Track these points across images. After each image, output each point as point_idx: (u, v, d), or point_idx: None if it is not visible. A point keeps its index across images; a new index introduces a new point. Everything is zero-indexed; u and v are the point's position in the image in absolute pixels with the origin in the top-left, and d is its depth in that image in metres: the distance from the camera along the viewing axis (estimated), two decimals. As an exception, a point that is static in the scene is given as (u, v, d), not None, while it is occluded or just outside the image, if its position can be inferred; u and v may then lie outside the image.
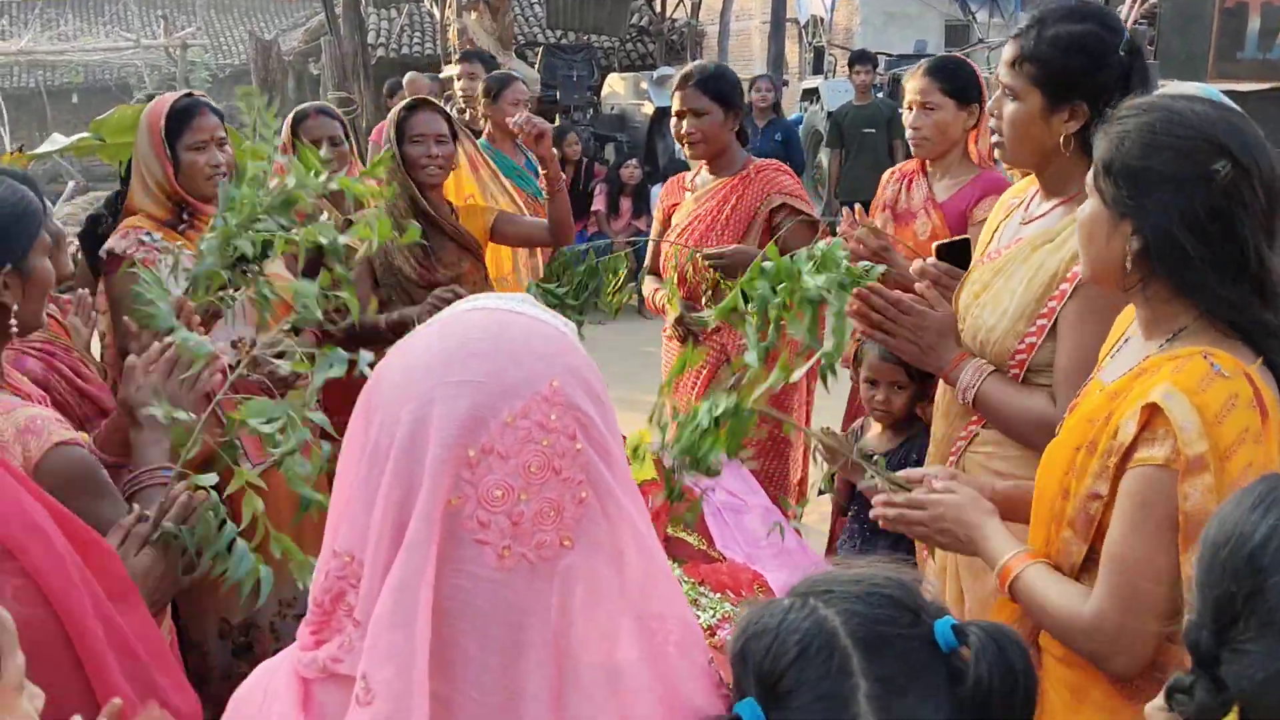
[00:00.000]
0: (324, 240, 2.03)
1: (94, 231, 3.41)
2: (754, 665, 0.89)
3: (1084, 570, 1.60)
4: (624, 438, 0.99)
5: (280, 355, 2.28)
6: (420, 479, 0.86)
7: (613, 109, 12.25)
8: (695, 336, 3.56)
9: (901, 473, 1.89)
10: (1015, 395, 2.00)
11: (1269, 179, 1.48)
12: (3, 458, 1.47)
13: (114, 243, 2.81)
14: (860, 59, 9.58)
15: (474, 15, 12.91)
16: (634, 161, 10.07)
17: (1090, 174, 1.59)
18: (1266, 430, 1.44)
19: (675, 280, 3.52)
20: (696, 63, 3.73)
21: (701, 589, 2.17)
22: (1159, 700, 1.06)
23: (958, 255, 2.47)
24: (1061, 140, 1.96)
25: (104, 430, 2.11)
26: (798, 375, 1.72)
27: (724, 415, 1.65)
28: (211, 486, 1.73)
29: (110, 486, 1.83)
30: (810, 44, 17.86)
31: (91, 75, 25.91)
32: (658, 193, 3.99)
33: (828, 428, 3.02)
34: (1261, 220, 1.48)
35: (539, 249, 4.53)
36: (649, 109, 11.29)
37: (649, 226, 4.04)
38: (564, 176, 3.51)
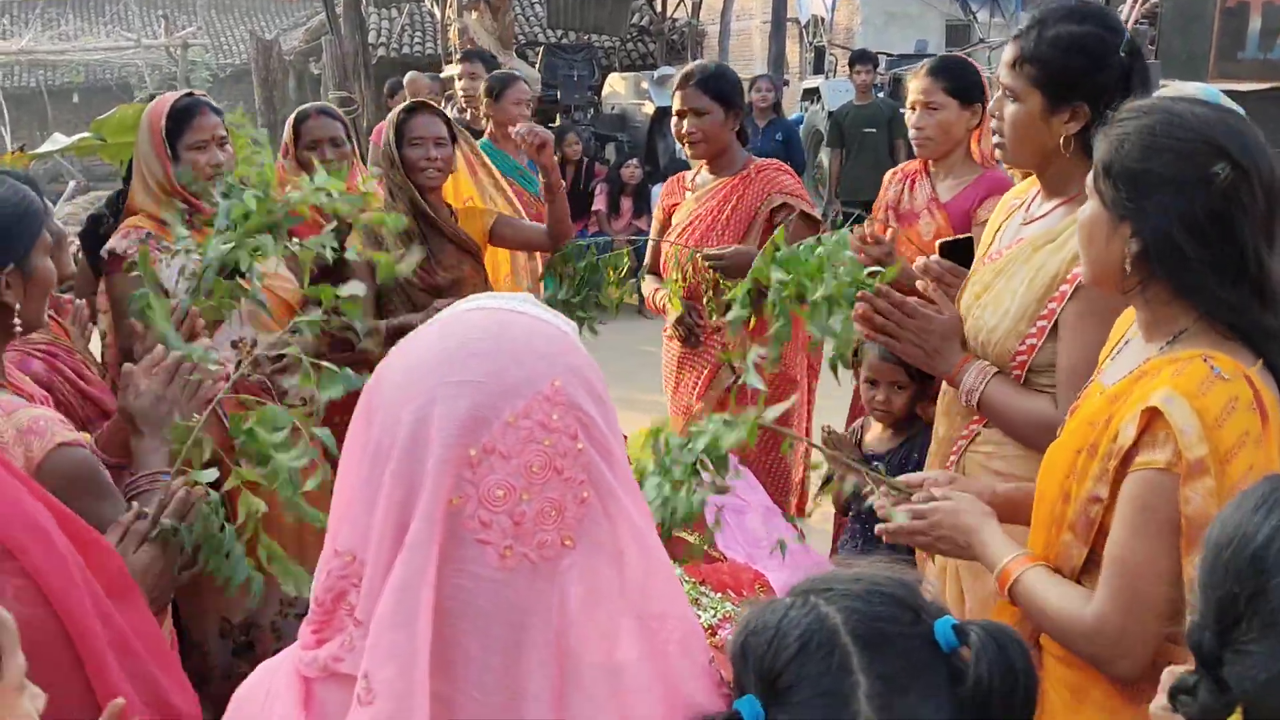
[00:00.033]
0: (326, 250, 2.04)
1: (95, 231, 3.41)
2: (754, 662, 0.89)
3: (1084, 573, 1.60)
4: (625, 437, 0.99)
5: (281, 356, 2.29)
6: (422, 479, 0.86)
7: (613, 109, 12.25)
8: (696, 336, 3.56)
9: (901, 478, 1.89)
10: (1019, 398, 2.00)
11: (1269, 182, 1.48)
12: (4, 458, 1.47)
13: (115, 242, 2.81)
14: (861, 59, 9.58)
15: (475, 15, 12.91)
16: (635, 161, 10.07)
17: (1090, 176, 1.59)
18: (1267, 433, 1.44)
19: (676, 280, 3.52)
20: (697, 62, 3.72)
21: (703, 588, 2.17)
22: (1162, 700, 1.06)
23: (961, 253, 2.47)
24: (1062, 141, 1.96)
25: (106, 431, 2.12)
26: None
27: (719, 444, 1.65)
28: (211, 484, 1.74)
29: (112, 487, 1.83)
30: (811, 44, 17.85)
31: (92, 75, 25.92)
32: (658, 192, 3.99)
33: (828, 427, 3.03)
34: (1261, 223, 1.48)
35: (537, 252, 4.53)
36: (650, 109, 11.29)
37: (650, 226, 4.04)
38: (563, 183, 3.51)
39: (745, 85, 5.10)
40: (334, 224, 2.38)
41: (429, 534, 0.85)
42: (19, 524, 1.34)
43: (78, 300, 2.92)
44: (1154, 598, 1.47)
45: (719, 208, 3.53)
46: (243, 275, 2.26)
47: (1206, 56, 7.15)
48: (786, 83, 15.14)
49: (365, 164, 4.15)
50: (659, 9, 16.43)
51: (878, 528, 1.82)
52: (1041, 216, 2.08)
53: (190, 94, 2.97)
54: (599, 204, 9.79)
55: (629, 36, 16.42)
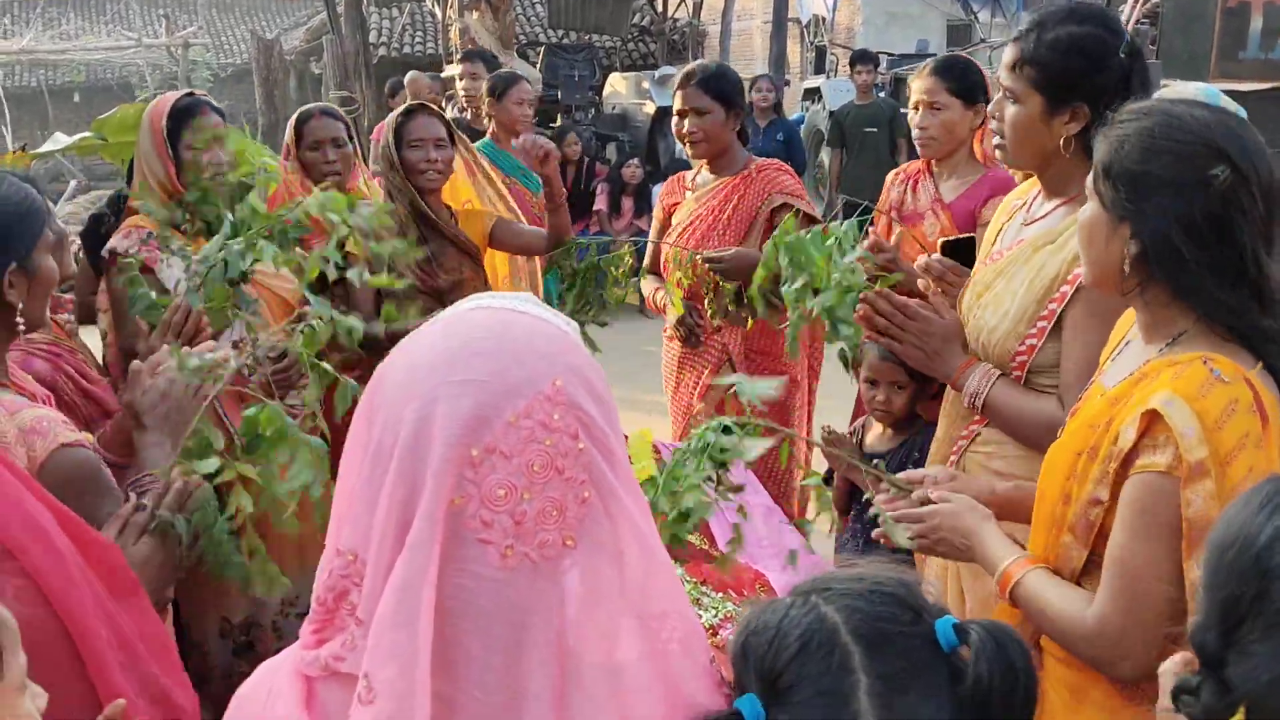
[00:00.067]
0: (330, 266, 2.05)
1: (96, 231, 3.41)
2: (755, 661, 0.90)
3: (1085, 575, 1.60)
4: (625, 437, 0.99)
5: (282, 356, 2.30)
6: (423, 478, 0.86)
7: (614, 108, 12.26)
8: (696, 337, 3.56)
9: (902, 474, 1.89)
10: (1024, 400, 2.00)
11: (1267, 185, 1.48)
12: (7, 459, 1.47)
13: (116, 242, 2.82)
14: (862, 58, 9.57)
15: (476, 14, 12.90)
16: (636, 161, 10.07)
17: (1090, 177, 1.59)
18: (1267, 435, 1.44)
19: (676, 281, 3.51)
20: (698, 62, 3.72)
21: (704, 588, 2.17)
22: (1166, 700, 1.06)
23: (962, 252, 2.47)
24: (1062, 142, 1.96)
25: (108, 430, 2.12)
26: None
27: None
28: (207, 477, 1.73)
29: (114, 488, 1.83)
30: (812, 43, 17.86)
31: (93, 74, 25.92)
32: (659, 192, 3.99)
33: (828, 426, 3.03)
34: (1260, 226, 1.48)
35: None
36: (650, 108, 11.30)
37: (650, 226, 4.04)
38: (565, 191, 3.50)
39: (746, 85, 5.10)
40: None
41: (430, 533, 0.85)
42: (20, 524, 1.34)
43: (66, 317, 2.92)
44: (1155, 599, 1.47)
45: (719, 207, 3.53)
46: (245, 280, 2.27)
47: (1208, 56, 7.16)
48: (788, 82, 15.15)
49: (367, 164, 4.15)
50: (660, 9, 16.43)
51: (874, 532, 1.82)
52: (1042, 217, 2.08)
53: (191, 94, 2.97)
54: (600, 204, 9.79)
55: (630, 36, 16.43)
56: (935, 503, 1.77)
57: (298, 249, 2.32)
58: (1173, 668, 1.12)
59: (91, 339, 2.86)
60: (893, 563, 0.96)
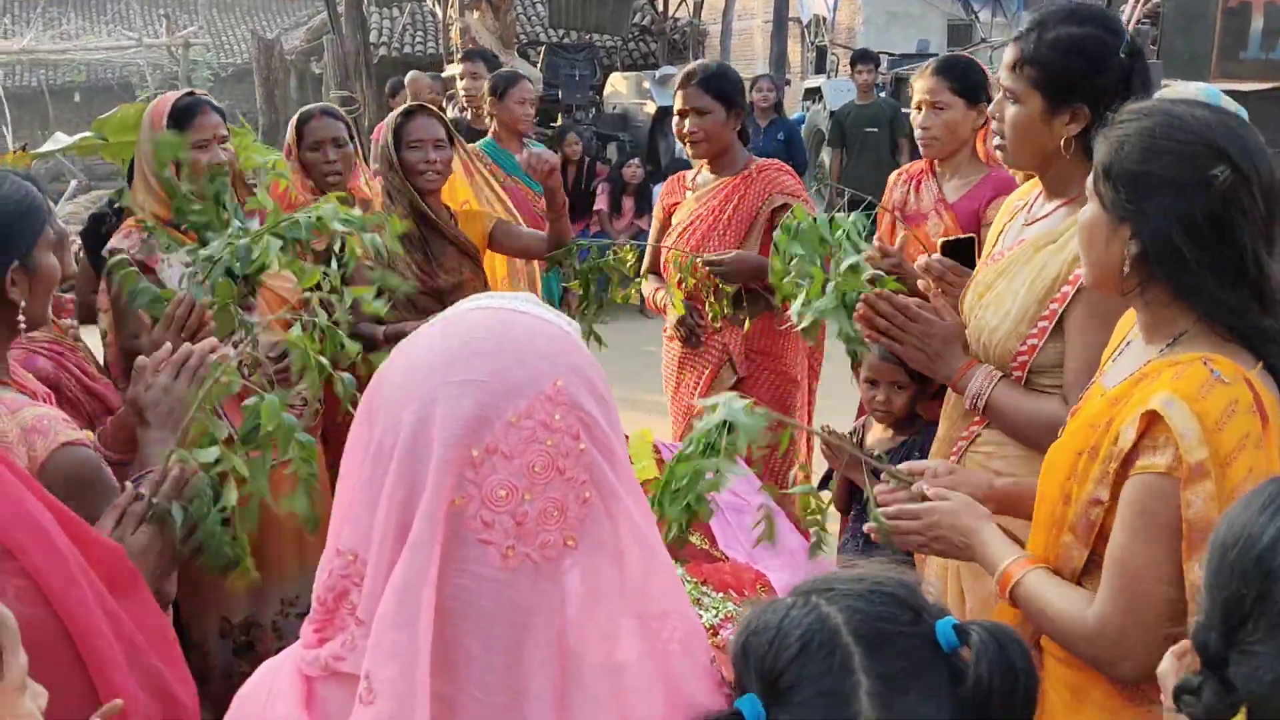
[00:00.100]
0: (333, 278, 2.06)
1: (97, 230, 3.42)
2: (756, 661, 0.90)
3: (1085, 574, 1.60)
4: (626, 437, 0.99)
5: (283, 356, 2.30)
6: (424, 479, 0.86)
7: (615, 108, 12.25)
8: (697, 337, 3.56)
9: (903, 465, 1.89)
10: (1026, 401, 2.00)
11: (1268, 185, 1.48)
12: (7, 458, 1.47)
13: (116, 242, 2.82)
14: (862, 58, 9.58)
15: (476, 14, 12.91)
16: (636, 161, 10.07)
17: (1090, 178, 1.59)
18: (1267, 435, 1.44)
19: (677, 282, 3.51)
20: (699, 62, 3.72)
21: (704, 588, 2.17)
22: (1169, 701, 1.06)
23: (963, 253, 2.46)
24: (1063, 143, 1.96)
25: (109, 427, 2.12)
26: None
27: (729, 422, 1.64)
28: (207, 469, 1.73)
29: (114, 487, 1.83)
30: (813, 43, 17.88)
31: (94, 74, 25.93)
32: (659, 192, 3.98)
33: (828, 425, 3.03)
34: (1260, 226, 1.48)
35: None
36: (651, 108, 11.30)
37: (651, 226, 4.04)
38: (565, 197, 3.49)
39: (747, 85, 5.09)
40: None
41: (431, 534, 0.85)
42: (20, 524, 1.34)
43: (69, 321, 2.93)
44: (1155, 600, 1.47)
45: (720, 208, 3.52)
46: (248, 279, 2.27)
47: (1208, 56, 7.16)
48: (788, 82, 15.15)
49: (368, 164, 4.15)
50: (661, 8, 16.43)
51: (865, 526, 1.82)
52: (1043, 217, 2.08)
53: (191, 93, 2.97)
54: (601, 203, 9.79)
55: (631, 36, 16.43)
56: (932, 499, 1.76)
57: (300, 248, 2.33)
58: (1171, 667, 1.12)
59: (91, 339, 2.86)
60: (893, 563, 0.96)
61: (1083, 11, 1.99)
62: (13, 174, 1.89)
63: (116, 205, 3.17)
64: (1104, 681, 1.58)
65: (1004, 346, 2.03)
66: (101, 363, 2.82)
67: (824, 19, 17.36)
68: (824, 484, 3.13)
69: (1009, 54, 2.01)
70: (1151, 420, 1.45)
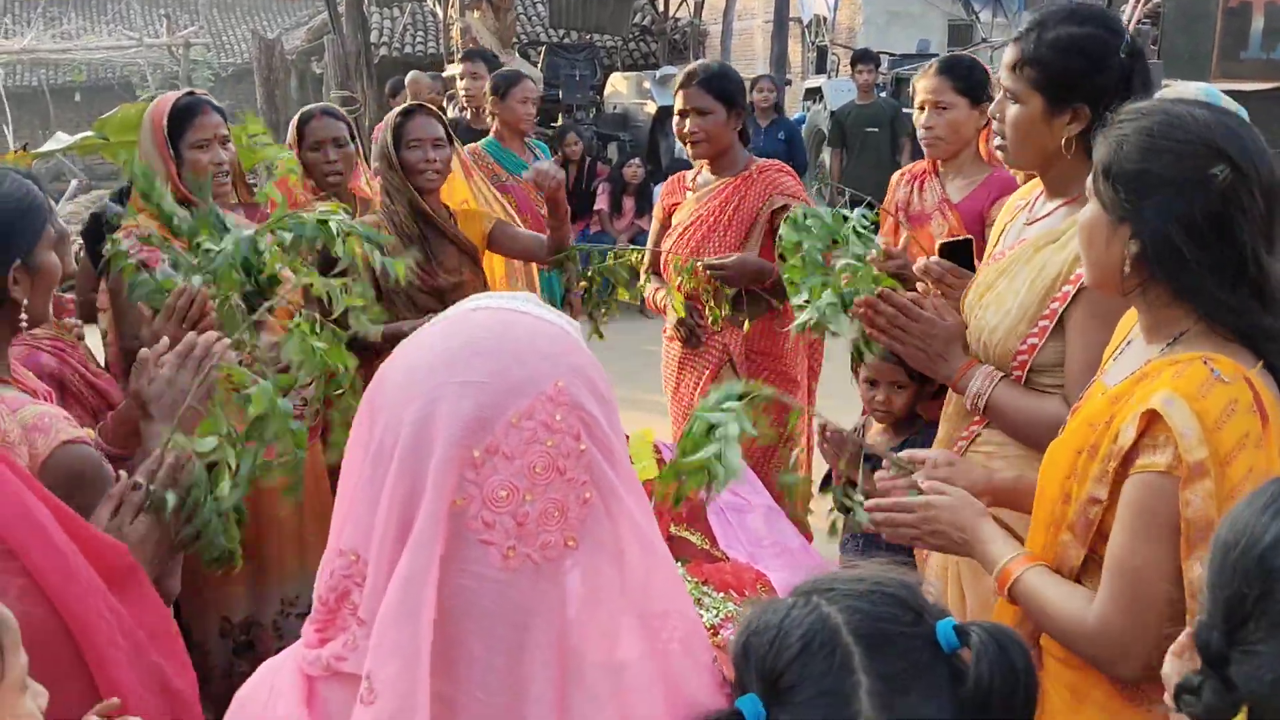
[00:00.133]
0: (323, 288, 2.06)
1: (98, 229, 3.41)
2: (756, 661, 0.90)
3: (1083, 573, 1.60)
4: (627, 437, 0.99)
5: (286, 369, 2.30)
6: (425, 479, 0.86)
7: (615, 108, 12.26)
8: (697, 337, 3.56)
9: (904, 453, 1.89)
10: (1026, 400, 2.00)
11: (1268, 184, 1.48)
12: (8, 457, 1.47)
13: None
14: (863, 58, 9.58)
15: (477, 14, 12.91)
16: (637, 160, 10.07)
17: (1090, 178, 1.59)
18: (1267, 435, 1.44)
19: (678, 285, 3.51)
20: (700, 62, 3.71)
21: (705, 588, 2.17)
22: (1170, 701, 1.06)
23: (960, 254, 2.46)
24: (1064, 142, 1.96)
25: (110, 422, 2.12)
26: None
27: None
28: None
29: (114, 484, 1.83)
30: (813, 43, 17.88)
31: (94, 74, 25.93)
32: (660, 192, 3.98)
33: (826, 422, 3.02)
34: (1260, 225, 1.48)
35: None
36: (652, 108, 11.30)
37: (651, 226, 4.04)
38: (568, 209, 3.48)
39: (747, 85, 5.09)
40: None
41: (432, 534, 0.85)
42: (21, 524, 1.34)
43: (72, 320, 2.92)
44: (1156, 600, 1.47)
45: (720, 208, 3.52)
46: (260, 291, 2.27)
47: (1209, 56, 7.17)
48: (789, 82, 15.15)
49: (368, 163, 4.15)
50: (661, 9, 16.44)
51: (858, 515, 1.81)
52: (1044, 216, 2.08)
53: (192, 93, 2.97)
54: (601, 203, 9.79)
55: (631, 36, 16.43)
56: (928, 494, 1.76)
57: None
58: (1175, 667, 1.12)
59: (92, 340, 2.86)
60: (894, 564, 0.96)
61: (1083, 11, 1.99)
62: (13, 172, 1.90)
63: (126, 193, 3.16)
64: (1104, 682, 1.58)
65: (1004, 346, 2.03)
66: (102, 362, 2.82)
67: (824, 19, 17.36)
68: (824, 485, 3.13)
69: (1009, 54, 2.01)
70: (1151, 419, 1.45)
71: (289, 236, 2.22)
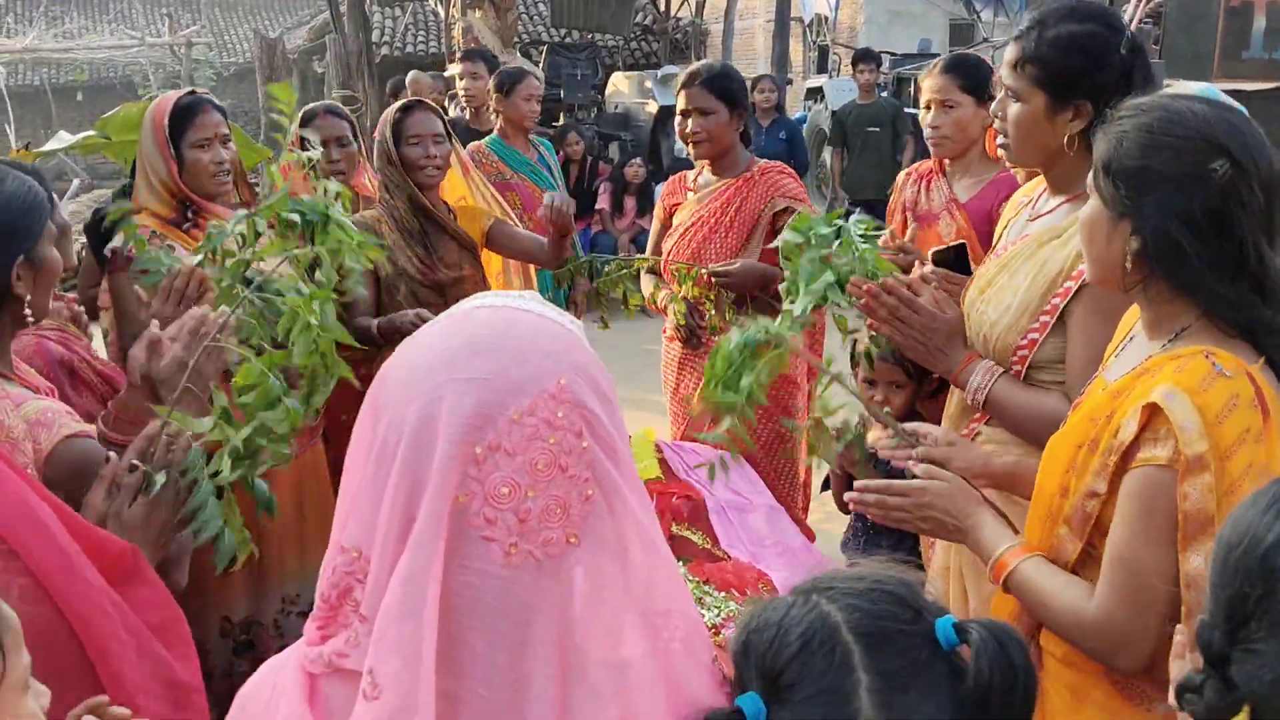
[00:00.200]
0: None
1: (100, 226, 3.41)
2: (756, 659, 0.90)
3: (1080, 565, 1.60)
4: (629, 436, 0.99)
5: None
6: (427, 476, 0.86)
7: (617, 108, 12.25)
8: (697, 338, 3.55)
9: (905, 426, 1.89)
10: (1027, 395, 2.00)
11: (1267, 178, 1.48)
12: (8, 455, 1.47)
13: (119, 242, 2.82)
14: (864, 58, 9.56)
15: (478, 13, 12.90)
16: (638, 160, 10.06)
17: (1090, 174, 1.59)
18: (1268, 430, 1.44)
19: (681, 293, 3.51)
20: (702, 62, 3.71)
21: (706, 587, 2.17)
22: (1173, 701, 1.06)
23: (952, 261, 2.46)
24: (1066, 140, 1.96)
25: (112, 409, 2.11)
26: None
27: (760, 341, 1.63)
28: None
29: None
30: (814, 43, 17.88)
31: (96, 73, 25.94)
32: (661, 191, 3.99)
33: (820, 418, 3.02)
34: (1260, 219, 1.48)
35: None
36: (653, 108, 11.30)
37: (652, 225, 4.04)
38: (571, 229, 3.46)
39: (749, 85, 5.09)
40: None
41: (435, 531, 0.85)
42: (23, 523, 1.34)
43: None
44: (1157, 594, 1.47)
45: (722, 210, 3.51)
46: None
47: (1211, 56, 7.17)
48: (790, 82, 15.15)
49: (370, 162, 4.16)
50: (663, 8, 16.44)
51: (847, 495, 1.81)
52: (1047, 213, 2.08)
53: (193, 92, 2.97)
54: (602, 203, 9.78)
55: (633, 35, 16.44)
56: (923, 478, 1.75)
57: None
58: (1180, 668, 1.12)
59: (93, 340, 2.87)
60: (895, 562, 0.96)
61: (1083, 9, 1.99)
62: (15, 168, 1.90)
63: (128, 191, 3.15)
64: (1104, 682, 1.58)
65: (1004, 341, 2.03)
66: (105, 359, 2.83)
67: (826, 18, 17.36)
68: (824, 485, 3.13)
69: (1010, 52, 2.01)
70: (1152, 413, 1.45)
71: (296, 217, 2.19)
